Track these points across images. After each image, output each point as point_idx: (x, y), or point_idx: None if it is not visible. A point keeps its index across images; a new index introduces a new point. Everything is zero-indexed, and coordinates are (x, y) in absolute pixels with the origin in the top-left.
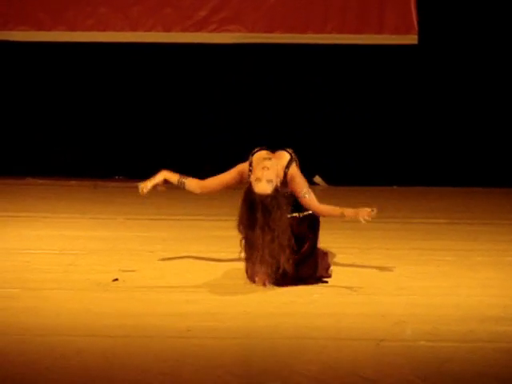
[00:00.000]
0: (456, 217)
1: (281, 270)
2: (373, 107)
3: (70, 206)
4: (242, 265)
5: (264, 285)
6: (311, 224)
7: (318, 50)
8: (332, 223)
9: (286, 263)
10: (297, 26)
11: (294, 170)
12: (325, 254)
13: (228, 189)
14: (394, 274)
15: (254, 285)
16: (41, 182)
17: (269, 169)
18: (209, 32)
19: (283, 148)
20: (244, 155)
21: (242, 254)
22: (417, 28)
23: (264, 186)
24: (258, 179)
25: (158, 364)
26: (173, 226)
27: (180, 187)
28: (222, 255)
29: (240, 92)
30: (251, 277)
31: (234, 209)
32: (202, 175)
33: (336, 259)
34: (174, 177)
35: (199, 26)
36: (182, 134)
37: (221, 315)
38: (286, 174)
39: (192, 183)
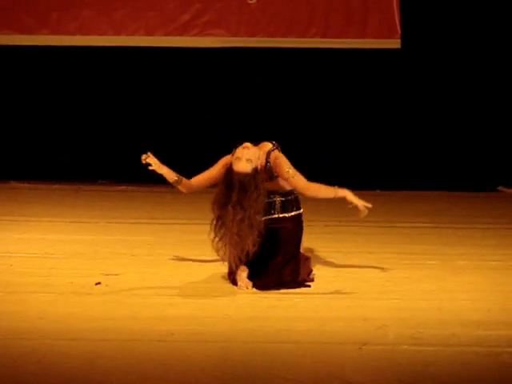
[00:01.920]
0: (439, 221)
1: (245, 252)
2: (355, 111)
3: (52, 210)
4: (224, 269)
5: (246, 288)
6: (295, 227)
7: (301, 54)
8: (315, 227)
9: (250, 245)
10: (280, 30)
11: (277, 153)
12: (307, 258)
13: (215, 184)
14: (377, 278)
15: (236, 288)
16: (24, 185)
17: (249, 148)
18: (192, 36)
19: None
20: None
21: (211, 236)
22: (400, 32)
23: (243, 165)
24: (238, 158)
25: (141, 368)
26: (156, 229)
27: (173, 184)
28: (205, 259)
29: (223, 96)
30: (233, 280)
31: None
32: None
33: (318, 263)
34: (172, 176)
35: (182, 30)
36: (165, 137)
37: (203, 319)
38: (268, 156)
39: (184, 184)
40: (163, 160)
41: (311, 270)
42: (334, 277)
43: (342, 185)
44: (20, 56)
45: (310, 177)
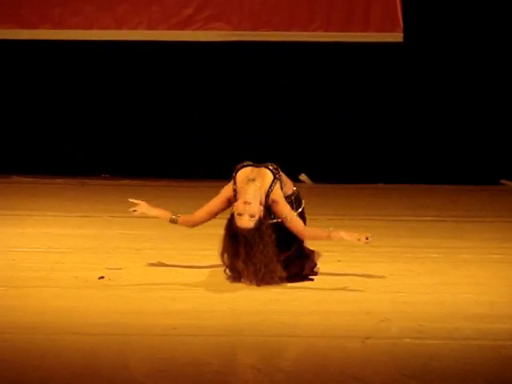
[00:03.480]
0: (442, 214)
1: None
2: (358, 105)
3: (56, 204)
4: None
5: (250, 282)
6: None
7: (304, 48)
8: (317, 222)
9: (279, 274)
10: (282, 23)
11: (277, 193)
12: (311, 252)
13: (215, 216)
14: (380, 272)
15: (240, 282)
16: (27, 180)
17: (251, 203)
18: (194, 30)
19: (266, 164)
20: (231, 154)
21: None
22: (402, 25)
23: (246, 222)
24: (240, 215)
25: (144, 362)
26: (159, 224)
27: (172, 223)
28: (208, 253)
29: (226, 90)
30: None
31: None
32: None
33: (322, 257)
34: (166, 215)
35: (184, 24)
36: (168, 132)
37: (207, 313)
38: (267, 197)
39: (184, 220)
40: (162, 152)
41: (315, 264)
42: (337, 270)
43: (345, 177)
44: (23, 50)
45: (317, 170)
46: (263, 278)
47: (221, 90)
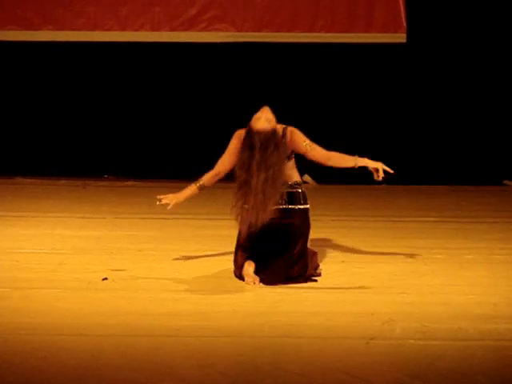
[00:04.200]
0: (446, 215)
1: (267, 214)
2: (361, 106)
3: (59, 206)
4: (231, 264)
5: (254, 283)
6: (302, 223)
7: (307, 48)
8: (322, 222)
9: (273, 206)
10: (286, 24)
11: (292, 127)
12: (314, 253)
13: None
14: (383, 273)
15: (243, 283)
16: (30, 181)
17: (268, 111)
18: (198, 31)
19: None
20: None
21: (233, 202)
22: (405, 26)
23: (263, 123)
24: (258, 118)
25: (148, 363)
26: (162, 224)
27: (202, 190)
28: (212, 254)
29: (228, 90)
30: (240, 276)
31: (223, 208)
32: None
33: (325, 258)
34: (193, 189)
35: (188, 25)
36: (171, 132)
37: (210, 314)
38: (285, 130)
39: (209, 178)
40: (165, 153)
41: (318, 265)
42: (341, 271)
43: (350, 177)
44: (26, 52)
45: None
46: (268, 191)
47: (224, 91)
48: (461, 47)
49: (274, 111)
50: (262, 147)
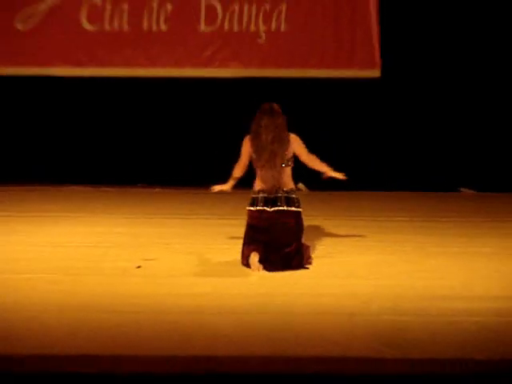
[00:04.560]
0: (413, 215)
1: (277, 169)
2: (346, 133)
3: (101, 208)
4: (239, 255)
5: (258, 271)
6: (297, 223)
7: (301, 83)
8: (315, 221)
9: (280, 163)
10: (284, 62)
11: (294, 135)
12: (307, 247)
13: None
14: (362, 262)
15: (249, 270)
16: (78, 188)
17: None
18: (213, 68)
19: None
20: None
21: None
22: (380, 63)
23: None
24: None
25: (172, 332)
26: (185, 223)
27: (237, 181)
28: (226, 247)
29: (237, 115)
30: (246, 264)
31: (234, 210)
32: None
33: (316, 250)
34: (232, 181)
35: (205, 63)
36: (190, 148)
37: (225, 295)
38: (288, 133)
39: (238, 171)
40: (190, 166)
41: (310, 256)
42: (328, 261)
43: (338, 185)
44: (73, 84)
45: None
46: (276, 148)
47: (233, 115)
48: (429, 79)
49: None
50: (270, 114)
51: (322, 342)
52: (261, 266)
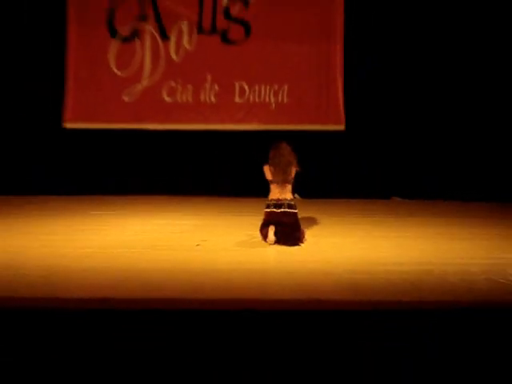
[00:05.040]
0: (364, 214)
1: (291, 173)
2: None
3: (176, 210)
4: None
5: (272, 242)
6: (295, 218)
7: (294, 134)
8: (307, 218)
9: (293, 171)
10: (285, 119)
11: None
12: (303, 231)
13: None
14: (336, 242)
15: (264, 243)
16: (157, 197)
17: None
18: (243, 124)
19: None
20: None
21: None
22: (344, 119)
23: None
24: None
25: (204, 287)
26: (225, 218)
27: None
28: (250, 233)
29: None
30: (265, 235)
31: (259, 211)
32: None
33: (307, 234)
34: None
35: (238, 121)
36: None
37: (252, 261)
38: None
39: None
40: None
41: (304, 237)
42: (315, 239)
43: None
44: (162, 136)
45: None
46: (288, 169)
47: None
48: (386, 132)
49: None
50: (284, 146)
51: (304, 295)
52: (274, 239)
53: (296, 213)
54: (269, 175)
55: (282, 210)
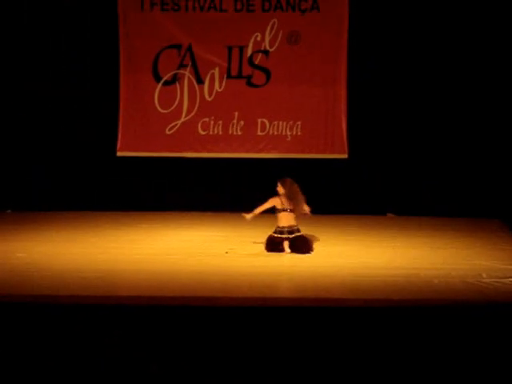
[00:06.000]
0: (366, 228)
1: (302, 208)
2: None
3: (208, 225)
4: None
5: (286, 253)
6: (302, 238)
7: (304, 164)
8: (312, 231)
9: (305, 207)
10: (298, 149)
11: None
12: (311, 241)
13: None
14: (339, 250)
15: (271, 253)
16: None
17: None
18: (264, 153)
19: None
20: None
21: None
22: (347, 146)
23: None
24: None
25: (215, 286)
26: (250, 230)
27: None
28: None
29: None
30: (271, 250)
31: (271, 226)
32: None
33: (314, 244)
34: (252, 215)
35: (260, 151)
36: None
37: (254, 268)
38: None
39: (259, 211)
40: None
41: (312, 246)
42: (322, 249)
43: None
44: (203, 163)
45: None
46: (299, 203)
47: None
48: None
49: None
50: (295, 183)
51: (305, 291)
52: (289, 250)
53: (302, 234)
54: (279, 205)
55: (295, 235)
